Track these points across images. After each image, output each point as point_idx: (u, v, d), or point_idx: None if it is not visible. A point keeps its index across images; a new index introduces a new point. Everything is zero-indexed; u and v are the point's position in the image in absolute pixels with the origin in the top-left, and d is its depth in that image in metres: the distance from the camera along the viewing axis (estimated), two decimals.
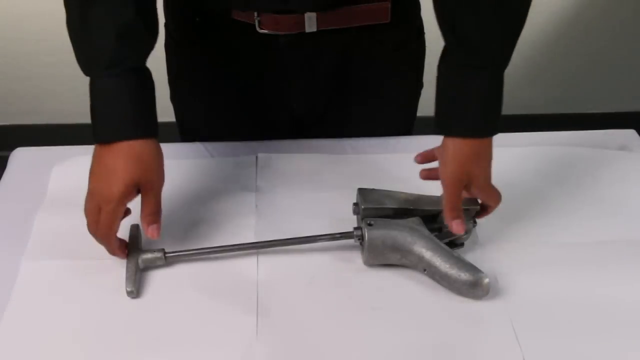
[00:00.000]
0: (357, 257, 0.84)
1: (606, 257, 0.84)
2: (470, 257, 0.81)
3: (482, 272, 0.78)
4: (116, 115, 0.76)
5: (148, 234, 0.78)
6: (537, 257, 0.84)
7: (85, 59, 0.78)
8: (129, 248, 0.81)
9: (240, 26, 0.92)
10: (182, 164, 0.96)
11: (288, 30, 0.91)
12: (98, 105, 0.77)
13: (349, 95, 1.02)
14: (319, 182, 0.95)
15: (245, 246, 0.83)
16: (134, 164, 0.75)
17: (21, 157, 1.00)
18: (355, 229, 0.82)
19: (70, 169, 0.96)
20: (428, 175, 0.86)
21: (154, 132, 0.78)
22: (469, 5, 0.75)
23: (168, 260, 0.81)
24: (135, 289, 0.78)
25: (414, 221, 0.82)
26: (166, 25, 1.04)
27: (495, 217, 0.84)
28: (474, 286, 0.78)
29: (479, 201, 0.83)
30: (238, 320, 0.76)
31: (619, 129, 1.06)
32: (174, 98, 1.10)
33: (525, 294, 0.80)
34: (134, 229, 0.83)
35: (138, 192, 0.77)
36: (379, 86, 1.02)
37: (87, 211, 0.77)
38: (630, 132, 1.06)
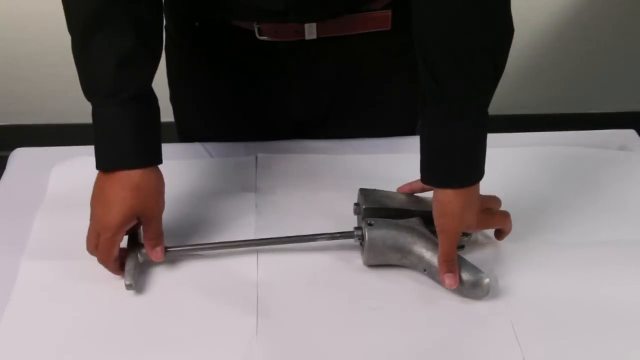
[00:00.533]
0: (357, 257, 0.84)
1: (606, 257, 0.84)
2: (470, 257, 0.81)
3: (483, 273, 0.78)
4: (115, 145, 0.76)
5: (152, 257, 0.79)
6: (537, 257, 0.84)
7: (87, 86, 0.78)
8: (129, 242, 0.81)
9: (240, 32, 0.92)
10: (182, 164, 0.96)
11: (288, 37, 0.91)
12: (98, 133, 0.77)
13: (349, 102, 1.02)
14: (318, 183, 0.95)
15: (245, 243, 0.83)
16: (132, 195, 0.76)
17: (21, 157, 1.00)
18: (355, 228, 0.82)
19: (70, 169, 0.96)
20: (411, 189, 0.86)
21: (155, 160, 0.78)
22: (451, 57, 0.73)
23: (168, 255, 0.81)
24: (134, 282, 0.78)
25: (415, 221, 0.82)
26: (166, 27, 1.04)
27: None
28: (475, 286, 0.78)
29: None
30: (238, 320, 0.76)
31: (619, 129, 1.06)
32: (173, 99, 1.10)
33: (525, 294, 0.80)
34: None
35: (138, 218, 0.78)
36: (379, 92, 1.02)
37: (88, 234, 0.78)
38: (630, 132, 1.06)
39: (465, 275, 0.78)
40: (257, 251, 0.84)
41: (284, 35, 0.91)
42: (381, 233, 0.80)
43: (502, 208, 0.84)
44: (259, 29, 0.90)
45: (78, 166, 0.95)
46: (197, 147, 1.01)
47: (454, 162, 0.76)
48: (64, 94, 2.02)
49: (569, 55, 2.11)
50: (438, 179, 0.77)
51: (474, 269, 0.78)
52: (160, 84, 1.09)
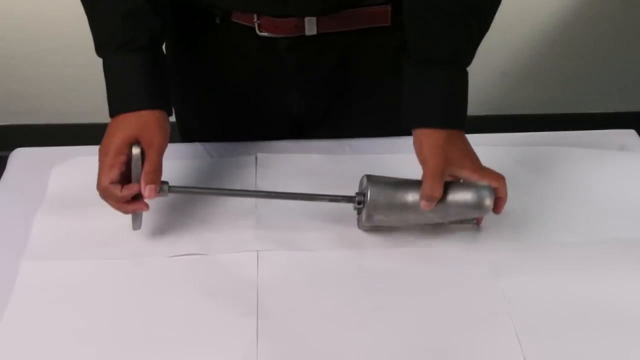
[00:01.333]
0: (357, 257, 0.84)
1: (606, 257, 0.84)
2: (471, 256, 0.82)
3: (484, 190, 0.79)
4: (123, 91, 0.81)
5: (144, 193, 0.79)
6: (537, 257, 0.84)
7: (98, 42, 0.83)
8: (134, 172, 0.81)
9: (240, 29, 0.92)
10: (182, 164, 0.96)
11: (288, 33, 0.91)
12: (108, 85, 0.82)
13: (349, 98, 1.02)
14: (318, 183, 0.94)
15: (246, 193, 0.88)
16: (135, 123, 0.79)
17: (21, 157, 1.00)
18: (357, 193, 0.83)
19: (70, 169, 0.96)
20: None
21: (162, 104, 0.82)
22: (438, 9, 0.78)
23: (171, 191, 0.82)
24: (138, 223, 0.82)
25: (415, 181, 0.82)
26: None
27: (495, 216, 0.84)
28: (477, 206, 0.79)
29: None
30: (238, 321, 0.76)
31: (619, 129, 1.06)
32: (174, 100, 1.10)
33: (525, 294, 0.80)
34: (137, 157, 0.82)
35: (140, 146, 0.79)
36: (379, 89, 1.02)
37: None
38: (630, 132, 1.05)
39: (467, 195, 0.79)
40: (258, 252, 0.84)
41: (284, 30, 0.91)
42: (382, 187, 0.81)
43: None
44: (259, 25, 0.90)
45: (78, 166, 0.95)
46: (197, 147, 1.01)
47: (434, 102, 0.80)
48: (64, 94, 2.02)
49: (569, 55, 2.11)
50: (419, 118, 0.80)
51: (474, 188, 0.80)
52: None
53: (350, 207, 0.86)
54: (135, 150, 0.78)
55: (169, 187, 0.81)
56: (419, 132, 0.80)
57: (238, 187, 0.94)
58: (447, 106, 0.80)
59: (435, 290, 0.80)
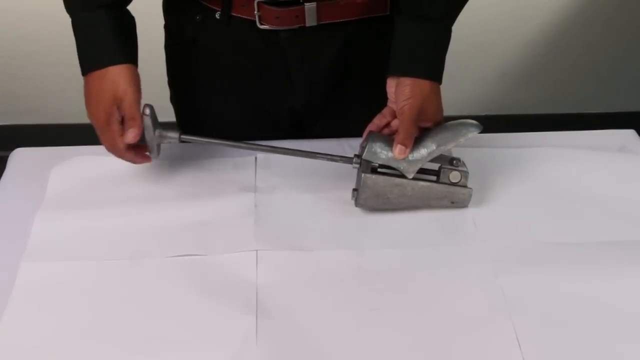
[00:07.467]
0: (356, 257, 0.84)
1: (606, 257, 0.84)
2: (470, 256, 0.82)
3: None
4: (91, 47, 0.86)
5: (126, 137, 0.84)
6: (537, 257, 0.84)
7: (65, 1, 0.88)
8: (146, 124, 0.85)
9: (241, 23, 0.93)
10: (181, 164, 0.96)
11: (289, 24, 0.92)
12: (78, 42, 0.87)
13: (349, 90, 1.02)
14: (318, 183, 0.95)
15: (249, 146, 0.91)
16: (106, 83, 0.84)
17: (21, 157, 1.00)
18: (355, 155, 0.87)
19: (70, 169, 0.96)
20: (378, 125, 0.90)
21: (129, 59, 0.86)
22: None
23: (182, 140, 0.87)
24: (156, 153, 0.87)
25: None
26: (166, 25, 1.04)
27: (495, 216, 0.84)
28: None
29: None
30: (237, 320, 0.76)
31: (619, 129, 1.06)
32: (174, 99, 1.10)
33: (525, 294, 0.80)
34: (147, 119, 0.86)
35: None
36: (379, 80, 1.02)
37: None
38: (630, 132, 1.05)
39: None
40: (257, 252, 0.84)
41: (284, 22, 0.91)
42: (380, 137, 0.85)
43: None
44: (259, 17, 0.91)
45: (78, 166, 0.95)
46: (197, 147, 1.01)
47: (424, 54, 0.85)
48: (64, 94, 2.03)
49: (568, 55, 2.11)
50: (410, 67, 0.85)
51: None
52: (161, 84, 1.10)
53: (350, 206, 0.86)
54: (146, 111, 0.83)
55: (180, 136, 0.86)
56: (405, 80, 0.84)
57: (238, 188, 0.94)
58: (434, 59, 0.86)
59: (434, 290, 0.80)
